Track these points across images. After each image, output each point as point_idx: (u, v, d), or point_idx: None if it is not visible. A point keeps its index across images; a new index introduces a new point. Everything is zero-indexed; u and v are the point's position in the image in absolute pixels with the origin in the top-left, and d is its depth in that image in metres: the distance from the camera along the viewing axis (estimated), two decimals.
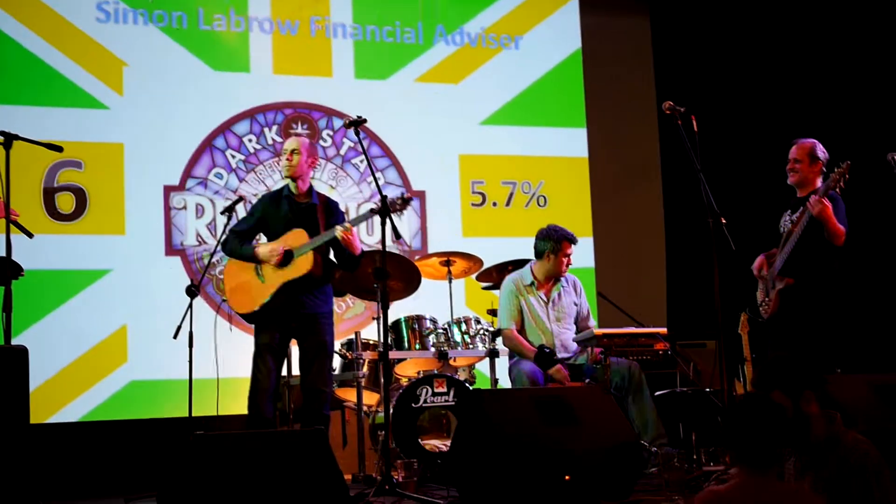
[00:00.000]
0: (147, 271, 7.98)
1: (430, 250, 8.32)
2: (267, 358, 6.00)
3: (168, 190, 8.15)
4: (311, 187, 6.23)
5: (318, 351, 6.06)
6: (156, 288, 7.94)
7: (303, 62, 8.62)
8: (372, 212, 5.73)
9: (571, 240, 6.71)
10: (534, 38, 9.17)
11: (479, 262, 7.18)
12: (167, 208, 8.12)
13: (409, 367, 6.88)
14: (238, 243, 6.13)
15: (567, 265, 6.71)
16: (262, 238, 6.32)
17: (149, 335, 7.84)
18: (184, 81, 8.28)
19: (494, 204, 8.89)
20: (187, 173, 8.22)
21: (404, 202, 5.85)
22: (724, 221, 5.46)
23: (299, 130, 8.51)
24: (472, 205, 8.85)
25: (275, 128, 8.45)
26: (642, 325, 6.85)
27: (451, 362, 6.86)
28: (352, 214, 8.48)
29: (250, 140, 8.41)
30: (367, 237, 8.51)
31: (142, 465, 7.11)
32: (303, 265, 5.95)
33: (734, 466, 3.84)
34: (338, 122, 8.58)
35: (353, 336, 6.85)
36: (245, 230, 6.23)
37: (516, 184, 8.96)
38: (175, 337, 6.18)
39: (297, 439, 4.14)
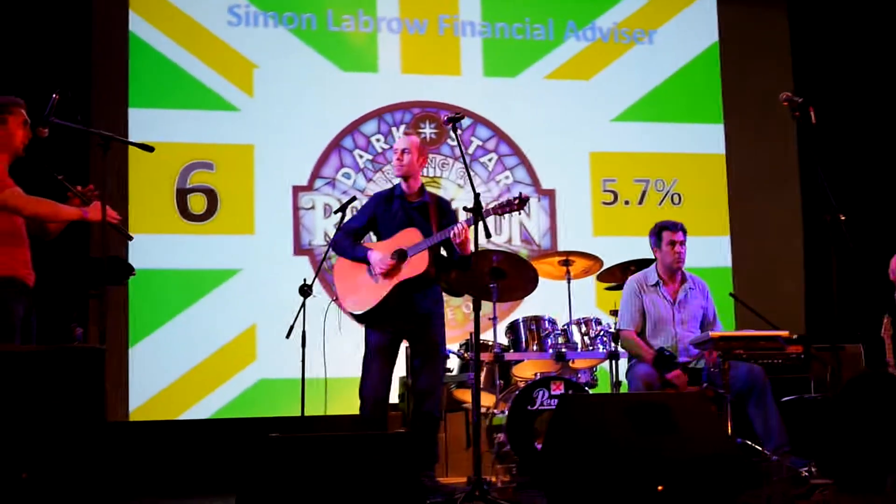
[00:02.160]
0: (276, 271, 8.06)
1: (560, 249, 8.17)
2: (378, 359, 5.95)
3: (297, 190, 8.22)
4: (422, 186, 6.16)
5: (431, 352, 5.98)
6: (284, 287, 7.95)
7: (431, 61, 8.59)
8: (465, 210, 5.62)
9: (671, 227, 6.50)
10: (668, 32, 8.94)
11: (600, 261, 7.00)
12: (296, 208, 8.19)
13: (527, 368, 6.75)
14: (350, 243, 6.10)
15: (678, 253, 6.46)
16: (372, 237, 6.27)
17: (278, 334, 7.83)
18: (312, 82, 8.34)
19: (627, 202, 8.69)
20: (315, 173, 8.28)
21: (508, 204, 5.75)
22: (842, 218, 5.17)
23: (427, 130, 8.48)
24: (603, 203, 8.67)
25: (402, 127, 8.44)
26: (777, 327, 6.57)
27: (571, 364, 6.71)
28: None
29: (378, 140, 8.41)
30: (496, 236, 8.42)
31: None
32: (417, 265, 5.87)
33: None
34: (467, 122, 8.50)
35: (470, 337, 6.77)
36: (356, 229, 6.17)
37: (649, 181, 8.74)
38: (287, 336, 6.21)
39: (376, 443, 4.08)
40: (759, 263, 8.79)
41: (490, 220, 8.18)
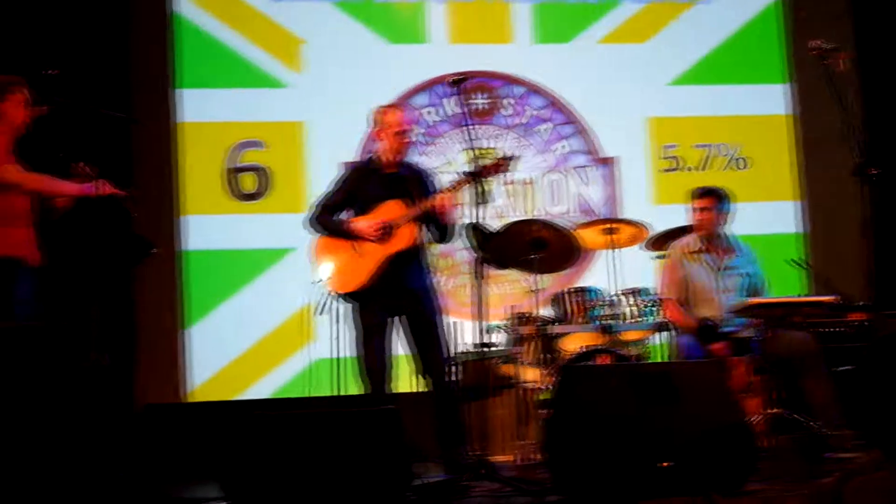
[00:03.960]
0: None
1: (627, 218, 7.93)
2: (374, 339, 5.72)
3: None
4: (402, 158, 5.93)
5: (432, 326, 5.74)
6: None
7: (480, 30, 8.40)
8: (464, 174, 5.40)
9: (693, 193, 6.26)
10: None
11: (646, 229, 6.76)
12: None
13: (573, 341, 6.55)
14: (330, 218, 5.86)
15: (699, 219, 6.23)
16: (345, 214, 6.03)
17: (332, 312, 7.83)
18: (361, 56, 8.24)
19: (689, 168, 8.41)
20: (367, 148, 8.15)
21: (496, 166, 5.52)
22: (873, 173, 4.89)
23: (479, 100, 8.31)
24: (664, 170, 8.40)
25: (454, 98, 8.27)
26: (843, 293, 6.30)
27: (619, 336, 6.50)
28: (537, 184, 8.24)
29: (429, 112, 8.27)
30: (554, 206, 8.24)
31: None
32: (405, 237, 5.68)
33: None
34: (519, 90, 8.32)
35: (514, 310, 6.60)
36: (334, 204, 5.94)
37: (712, 146, 8.45)
38: (320, 314, 6.11)
39: (362, 419, 3.95)
40: (829, 229, 8.43)
41: (546, 190, 8.27)
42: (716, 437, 3.97)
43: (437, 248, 8.06)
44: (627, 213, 8.02)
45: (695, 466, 3.94)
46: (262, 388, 7.89)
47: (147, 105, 7.93)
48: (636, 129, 8.41)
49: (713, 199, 6.24)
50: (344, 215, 5.95)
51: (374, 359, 5.73)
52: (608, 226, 6.68)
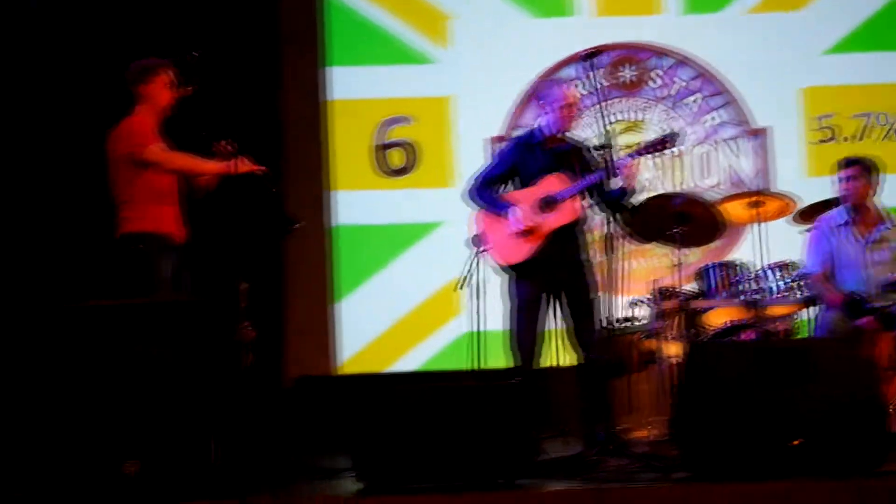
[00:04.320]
0: None
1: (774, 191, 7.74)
2: (527, 311, 5.76)
3: (495, 140, 8.13)
4: (566, 131, 5.90)
5: (586, 301, 5.75)
6: None
7: (628, 1, 8.28)
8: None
9: (840, 163, 6.03)
10: None
11: (793, 201, 6.57)
12: None
13: (718, 316, 6.43)
14: (489, 195, 5.88)
15: (844, 190, 6.01)
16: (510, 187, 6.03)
17: (480, 286, 7.87)
18: (507, 30, 8.22)
19: (846, 139, 8.14)
20: (514, 123, 8.17)
21: (659, 143, 5.51)
22: None
23: (626, 72, 8.21)
24: (819, 141, 8.15)
25: (601, 71, 8.19)
26: None
27: (766, 311, 6.35)
28: (686, 157, 8.11)
29: (576, 86, 8.19)
30: (703, 180, 8.10)
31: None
32: (568, 212, 5.66)
33: None
34: (668, 62, 8.20)
35: (656, 284, 6.52)
36: (495, 177, 5.95)
37: (870, 115, 8.15)
38: (461, 288, 6.18)
39: (486, 394, 3.96)
40: None
41: (696, 163, 8.13)
42: (850, 416, 3.84)
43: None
44: (780, 185, 7.83)
45: (826, 446, 3.83)
46: (410, 362, 8.00)
47: (297, 83, 8.11)
48: (789, 99, 8.17)
49: (860, 169, 6.03)
50: (503, 189, 6.00)
51: (526, 332, 5.78)
52: (754, 199, 6.52)
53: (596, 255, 7.90)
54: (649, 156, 5.81)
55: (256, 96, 7.81)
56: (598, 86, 5.44)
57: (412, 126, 8.18)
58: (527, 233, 5.68)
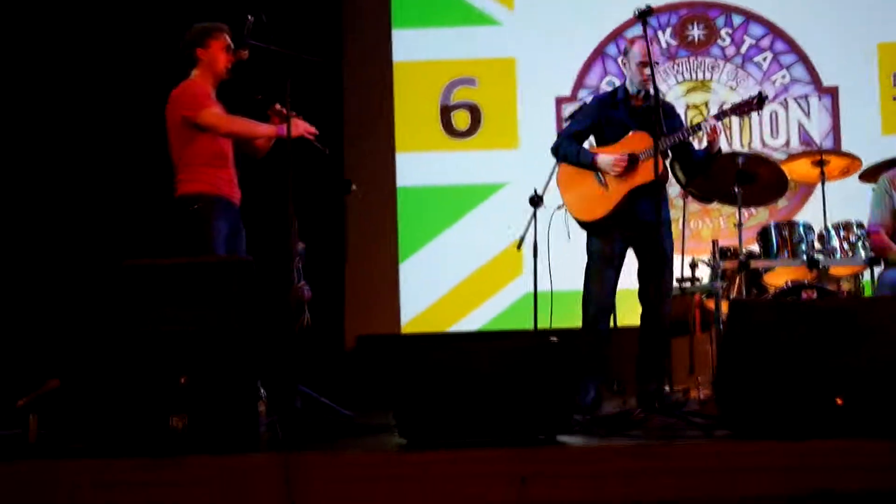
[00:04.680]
0: (541, 183, 7.96)
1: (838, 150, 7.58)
2: (604, 268, 5.73)
3: (560, 101, 8.10)
4: (647, 90, 5.86)
5: (660, 261, 5.65)
6: (549, 199, 7.92)
7: None
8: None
9: None
10: None
11: (858, 160, 6.44)
12: (559, 120, 8.05)
13: (779, 276, 6.33)
14: (575, 148, 5.88)
15: None
16: (592, 142, 6.01)
17: (543, 246, 7.85)
18: None
19: None
20: (579, 83, 8.11)
21: (746, 104, 5.49)
22: None
23: (695, 31, 8.09)
24: (894, 99, 7.95)
25: (668, 30, 8.09)
26: None
27: (829, 271, 6.26)
28: (754, 116, 7.98)
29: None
30: (772, 139, 7.98)
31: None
32: (649, 170, 5.59)
33: None
34: (738, 20, 8.06)
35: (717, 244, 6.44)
36: (578, 132, 5.92)
37: None
38: (518, 248, 6.20)
39: (522, 351, 3.96)
40: None
41: (765, 122, 8.00)
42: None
43: None
44: (852, 144, 7.67)
45: (871, 406, 3.76)
46: (474, 321, 8.03)
47: (361, 46, 8.15)
48: (864, 55, 7.97)
49: None
50: (586, 145, 5.99)
51: (601, 290, 5.75)
52: (818, 158, 6.40)
53: None
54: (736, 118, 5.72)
55: (319, 60, 7.86)
56: (648, 43, 5.35)
57: (477, 88, 8.16)
58: (620, 176, 5.64)
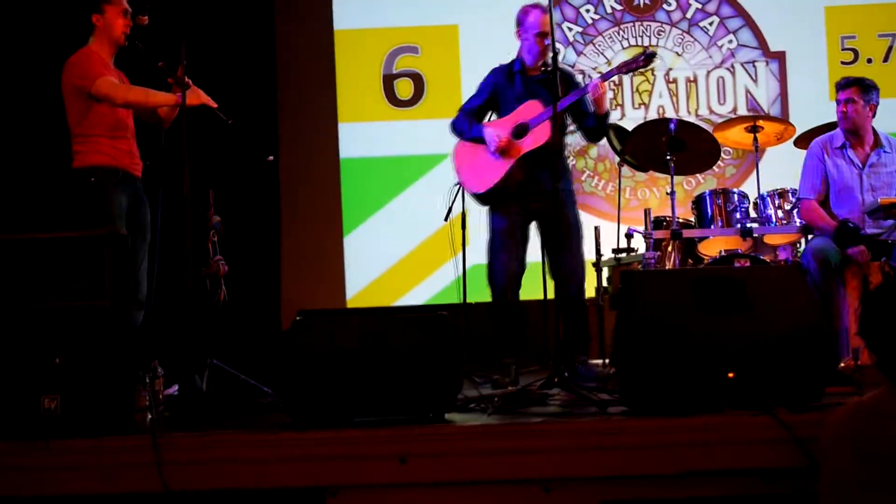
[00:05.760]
0: None
1: (793, 117, 7.42)
2: (505, 243, 5.54)
3: None
4: (545, 60, 5.67)
5: (566, 231, 5.45)
6: None
7: None
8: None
9: (837, 85, 5.71)
10: None
11: (792, 126, 6.30)
12: None
13: (714, 245, 6.20)
14: (468, 123, 5.71)
15: (842, 112, 5.65)
16: (493, 116, 5.85)
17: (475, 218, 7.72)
18: None
19: (869, 60, 7.79)
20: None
21: (634, 62, 5.35)
22: None
23: None
24: (842, 63, 7.81)
25: None
26: None
27: (764, 240, 6.13)
28: (701, 82, 7.84)
29: (588, 10, 7.96)
30: (719, 106, 7.84)
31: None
32: (539, 136, 5.43)
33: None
34: None
35: (651, 214, 6.32)
36: (475, 108, 5.75)
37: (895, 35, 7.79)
38: (445, 219, 6.09)
39: (410, 324, 3.81)
40: None
41: (713, 88, 7.85)
42: (789, 347, 3.63)
43: (594, 152, 7.87)
44: (800, 110, 7.58)
45: (763, 378, 3.63)
46: (418, 295, 7.91)
47: (300, 14, 8.00)
48: (811, 19, 7.84)
49: (857, 90, 5.67)
50: (488, 119, 5.81)
51: (500, 264, 5.58)
52: (751, 123, 6.26)
53: (607, 186, 7.83)
54: (625, 75, 5.52)
55: (251, 29, 7.73)
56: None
57: (420, 57, 8.02)
58: (499, 153, 5.49)
